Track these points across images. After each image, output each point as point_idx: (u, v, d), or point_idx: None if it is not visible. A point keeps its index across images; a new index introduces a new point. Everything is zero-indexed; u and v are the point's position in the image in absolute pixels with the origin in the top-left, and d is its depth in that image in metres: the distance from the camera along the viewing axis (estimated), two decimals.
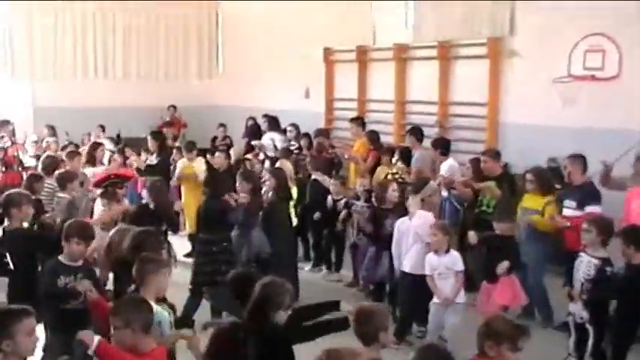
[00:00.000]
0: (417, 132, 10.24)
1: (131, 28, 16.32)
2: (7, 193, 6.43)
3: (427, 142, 10.17)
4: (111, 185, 8.02)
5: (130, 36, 16.33)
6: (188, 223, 10.22)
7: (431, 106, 11.53)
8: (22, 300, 5.29)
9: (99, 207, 8.11)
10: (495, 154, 8.56)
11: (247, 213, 7.97)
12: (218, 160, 10.32)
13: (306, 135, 12.18)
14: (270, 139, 12.40)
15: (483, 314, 6.43)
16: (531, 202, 7.59)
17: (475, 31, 10.77)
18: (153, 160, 10.97)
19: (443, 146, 9.57)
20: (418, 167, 9.54)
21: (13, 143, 11.98)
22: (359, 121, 11.59)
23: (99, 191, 8.16)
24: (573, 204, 7.29)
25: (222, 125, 14.51)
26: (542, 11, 9.80)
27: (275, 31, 14.66)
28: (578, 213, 7.15)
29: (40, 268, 5.96)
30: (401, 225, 7.23)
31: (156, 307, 4.36)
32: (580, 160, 7.48)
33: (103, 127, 13.78)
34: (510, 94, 10.45)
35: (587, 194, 7.28)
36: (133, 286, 4.73)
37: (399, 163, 9.66)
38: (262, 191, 8.62)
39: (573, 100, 9.43)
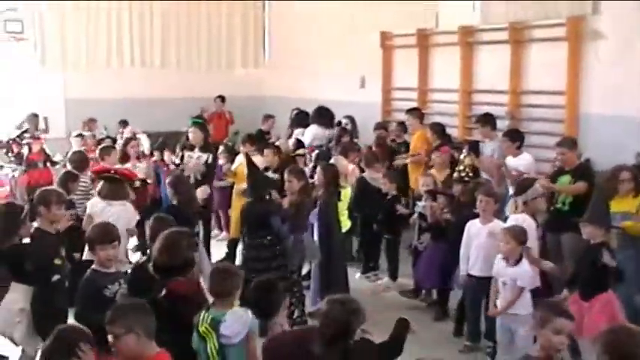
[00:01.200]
0: (491, 120, 10.09)
1: (170, 13, 16.44)
2: (40, 190, 6.47)
3: None
4: (108, 180, 7.95)
5: (169, 22, 16.46)
6: (232, 227, 10.09)
7: (501, 95, 11.37)
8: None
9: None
10: (573, 143, 8.45)
11: (298, 215, 7.93)
12: (268, 157, 10.12)
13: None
14: (312, 133, 12.24)
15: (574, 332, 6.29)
16: (622, 204, 7.38)
17: (552, 10, 10.56)
18: (196, 155, 10.38)
19: (520, 138, 9.34)
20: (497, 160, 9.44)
21: (37, 138, 11.98)
22: (416, 112, 11.48)
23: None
24: None
25: (269, 117, 14.36)
26: None
27: (327, 15, 14.71)
28: None
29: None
30: (471, 227, 7.27)
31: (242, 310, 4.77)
32: None
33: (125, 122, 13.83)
34: (593, 82, 10.18)
35: None
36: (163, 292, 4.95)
37: (467, 159, 9.52)
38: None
39: None
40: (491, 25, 11.57)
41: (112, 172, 8.18)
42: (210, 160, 10.19)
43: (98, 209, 7.66)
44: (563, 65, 10.43)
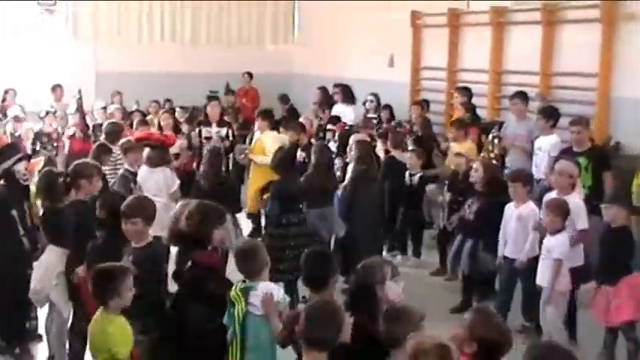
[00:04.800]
0: (524, 97, 9.99)
1: None
2: (76, 162, 6.55)
3: None
4: (150, 147, 8.15)
5: None
6: (250, 201, 10.12)
7: (532, 76, 11.30)
8: None
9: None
10: (587, 123, 8.41)
11: (320, 190, 8.08)
12: (294, 136, 10.10)
13: (387, 107, 12.08)
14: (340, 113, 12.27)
15: (601, 321, 6.31)
16: None
17: None
18: (214, 130, 10.57)
19: (555, 116, 9.16)
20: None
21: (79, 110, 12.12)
22: (466, 91, 11.36)
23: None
24: None
25: (283, 97, 14.48)
26: None
27: None
28: None
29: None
30: (507, 210, 7.29)
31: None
32: None
33: (170, 102, 13.96)
34: (626, 65, 10.06)
35: None
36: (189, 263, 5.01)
37: (497, 141, 9.52)
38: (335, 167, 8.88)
39: None
40: (524, 6, 11.50)
41: (153, 138, 8.40)
42: (229, 135, 10.46)
43: (144, 176, 7.92)
44: (596, 47, 10.31)
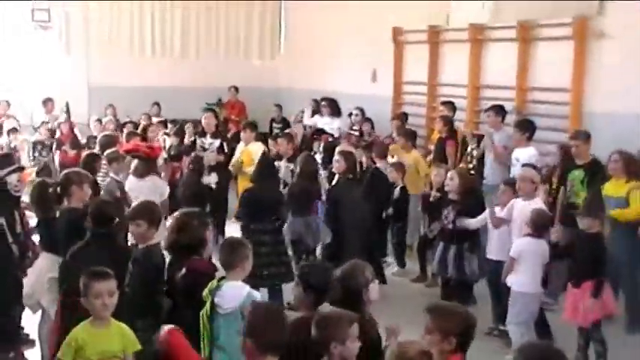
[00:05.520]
0: (501, 111, 10.13)
1: (190, 5, 16.58)
2: (66, 171, 6.59)
3: None
4: (137, 158, 8.23)
5: (189, 13, 16.61)
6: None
7: (508, 91, 11.34)
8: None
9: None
10: (587, 137, 8.42)
11: (306, 199, 8.12)
12: (281, 146, 10.25)
13: (368, 120, 12.20)
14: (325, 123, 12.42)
15: (570, 322, 6.45)
16: (613, 189, 7.50)
17: (559, 10, 10.54)
18: (208, 142, 10.63)
19: (531, 129, 9.29)
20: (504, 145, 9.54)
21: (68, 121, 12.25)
22: (451, 105, 11.58)
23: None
24: None
25: (277, 106, 14.55)
26: None
27: (340, 9, 14.69)
28: None
29: None
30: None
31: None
32: None
33: (158, 106, 14.03)
34: (597, 80, 10.17)
35: None
36: (183, 270, 4.89)
37: (475, 152, 9.64)
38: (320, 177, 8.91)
39: None
40: (501, 23, 11.56)
41: (140, 150, 8.45)
42: (224, 146, 10.48)
43: (132, 186, 7.95)
44: (569, 64, 10.39)
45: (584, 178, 8.07)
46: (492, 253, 7.45)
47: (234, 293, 4.64)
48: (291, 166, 9.58)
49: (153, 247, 5.32)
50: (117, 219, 5.69)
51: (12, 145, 11.40)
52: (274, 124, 14.37)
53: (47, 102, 14.02)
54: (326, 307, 4.19)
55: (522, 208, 7.05)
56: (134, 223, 5.34)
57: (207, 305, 4.67)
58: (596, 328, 6.43)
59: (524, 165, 8.24)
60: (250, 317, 3.89)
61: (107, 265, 4.51)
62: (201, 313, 4.70)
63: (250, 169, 9.63)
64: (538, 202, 7.14)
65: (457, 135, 10.88)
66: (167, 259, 5.34)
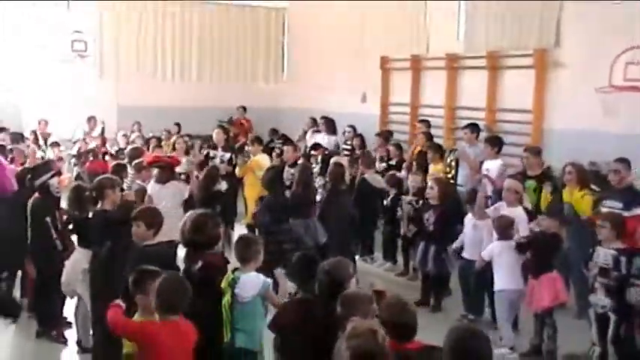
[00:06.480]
0: (476, 128, 10.23)
1: (205, 37, 16.67)
2: (100, 177, 6.59)
3: None
4: (159, 167, 8.19)
5: (204, 45, 16.68)
6: (249, 213, 10.13)
7: (479, 112, 11.48)
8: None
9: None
10: (537, 152, 8.50)
11: (304, 203, 8.17)
12: (287, 153, 10.31)
13: (359, 136, 12.32)
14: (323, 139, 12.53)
15: (530, 309, 6.55)
16: (568, 196, 7.57)
17: (522, 42, 10.69)
18: (220, 154, 10.67)
19: (499, 144, 9.40)
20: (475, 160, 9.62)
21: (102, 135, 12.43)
22: (426, 122, 11.66)
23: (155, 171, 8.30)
24: (619, 205, 7.07)
25: (274, 130, 14.68)
26: (585, 25, 9.72)
27: (336, 40, 14.76)
28: (625, 214, 6.84)
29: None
30: (467, 220, 7.58)
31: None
32: (628, 164, 7.41)
33: (178, 125, 14.18)
34: (554, 103, 10.35)
35: (634, 197, 7.15)
36: (199, 264, 4.86)
37: (453, 164, 9.76)
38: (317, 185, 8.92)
39: (614, 109, 9.32)
40: (473, 53, 11.68)
41: (162, 160, 8.44)
42: (232, 159, 10.52)
43: (155, 192, 7.91)
44: (531, 88, 10.56)
45: (535, 188, 8.13)
46: (466, 252, 7.49)
47: (252, 284, 4.68)
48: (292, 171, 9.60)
49: (149, 247, 5.24)
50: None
51: (55, 158, 11.52)
52: (275, 140, 14.48)
53: (91, 119, 14.24)
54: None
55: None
56: (135, 224, 5.28)
57: (228, 296, 4.68)
58: (549, 314, 6.49)
59: (509, 176, 8.17)
60: (160, 284, 4.12)
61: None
62: (223, 303, 4.69)
63: (259, 174, 9.62)
64: (519, 210, 7.11)
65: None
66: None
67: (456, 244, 7.65)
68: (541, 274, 6.49)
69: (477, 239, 7.34)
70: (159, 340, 4.07)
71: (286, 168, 9.73)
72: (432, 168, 9.89)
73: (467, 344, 3.26)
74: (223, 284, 4.73)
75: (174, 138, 11.94)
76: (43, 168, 7.15)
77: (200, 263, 4.87)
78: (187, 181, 8.73)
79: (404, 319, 3.77)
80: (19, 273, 7.52)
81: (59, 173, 7.72)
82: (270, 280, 4.83)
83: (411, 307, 3.90)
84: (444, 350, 3.27)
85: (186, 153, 10.65)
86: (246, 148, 11.30)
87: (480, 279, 7.23)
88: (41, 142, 12.90)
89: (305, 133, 13.98)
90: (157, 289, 4.15)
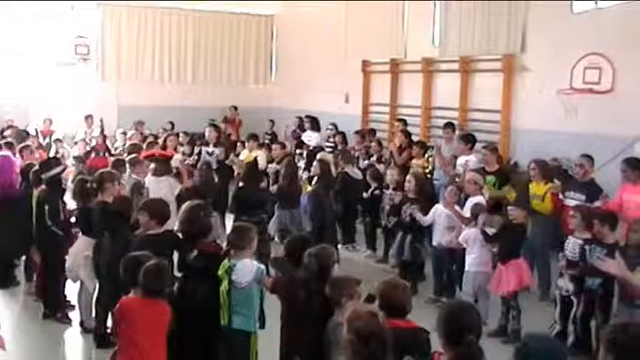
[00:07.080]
0: (452, 127, 10.28)
1: (200, 42, 16.59)
2: (101, 171, 6.59)
3: None
4: (155, 161, 8.24)
5: (199, 48, 16.60)
6: None
7: (453, 111, 11.55)
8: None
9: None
10: (493, 149, 8.62)
11: (289, 196, 8.21)
12: (276, 151, 10.30)
13: (341, 133, 12.33)
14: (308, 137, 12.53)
15: (496, 292, 6.58)
16: (535, 189, 7.65)
17: (491, 48, 10.78)
18: (210, 150, 10.52)
19: (473, 141, 9.44)
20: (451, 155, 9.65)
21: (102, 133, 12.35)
22: (402, 121, 11.63)
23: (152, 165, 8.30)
24: (582, 197, 7.15)
25: (271, 121, 14.71)
26: (549, 32, 9.82)
27: (320, 45, 14.75)
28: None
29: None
30: (437, 209, 7.61)
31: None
32: (591, 159, 7.51)
33: (172, 124, 14.12)
34: (521, 104, 10.43)
35: (595, 190, 7.22)
36: (195, 252, 4.90)
37: (431, 159, 9.78)
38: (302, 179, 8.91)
39: (574, 109, 9.40)
40: (446, 58, 11.72)
41: (156, 154, 8.50)
42: (222, 154, 10.42)
43: (152, 185, 7.92)
44: (500, 90, 10.64)
45: (495, 182, 8.21)
46: (436, 240, 7.56)
47: (247, 270, 4.63)
48: (278, 167, 9.62)
49: (150, 235, 5.21)
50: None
51: (59, 154, 11.46)
52: (266, 136, 14.50)
53: (88, 118, 14.10)
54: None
55: (467, 204, 7.24)
56: (140, 213, 5.32)
57: (225, 282, 4.65)
58: (514, 297, 6.53)
59: (471, 170, 8.27)
60: (143, 271, 4.29)
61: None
62: (220, 289, 4.67)
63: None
64: (479, 199, 7.23)
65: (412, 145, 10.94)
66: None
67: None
68: (508, 261, 6.53)
69: (447, 226, 7.42)
70: (135, 316, 4.26)
71: (274, 164, 9.75)
72: (414, 162, 9.93)
73: (459, 316, 3.28)
74: (220, 272, 4.71)
75: (164, 135, 11.81)
76: (50, 163, 7.12)
77: (195, 252, 4.91)
78: (178, 176, 8.66)
79: (395, 297, 3.79)
80: (23, 259, 7.53)
81: (66, 167, 7.67)
82: (263, 266, 4.81)
83: (403, 287, 3.89)
84: (437, 323, 3.27)
85: (176, 150, 10.60)
86: (244, 146, 11.26)
87: (454, 262, 7.33)
88: (41, 139, 12.82)
89: (293, 131, 13.98)
90: (141, 274, 4.28)
